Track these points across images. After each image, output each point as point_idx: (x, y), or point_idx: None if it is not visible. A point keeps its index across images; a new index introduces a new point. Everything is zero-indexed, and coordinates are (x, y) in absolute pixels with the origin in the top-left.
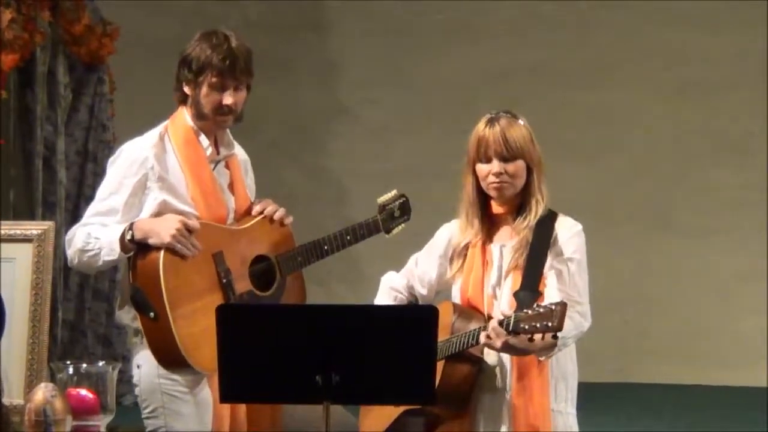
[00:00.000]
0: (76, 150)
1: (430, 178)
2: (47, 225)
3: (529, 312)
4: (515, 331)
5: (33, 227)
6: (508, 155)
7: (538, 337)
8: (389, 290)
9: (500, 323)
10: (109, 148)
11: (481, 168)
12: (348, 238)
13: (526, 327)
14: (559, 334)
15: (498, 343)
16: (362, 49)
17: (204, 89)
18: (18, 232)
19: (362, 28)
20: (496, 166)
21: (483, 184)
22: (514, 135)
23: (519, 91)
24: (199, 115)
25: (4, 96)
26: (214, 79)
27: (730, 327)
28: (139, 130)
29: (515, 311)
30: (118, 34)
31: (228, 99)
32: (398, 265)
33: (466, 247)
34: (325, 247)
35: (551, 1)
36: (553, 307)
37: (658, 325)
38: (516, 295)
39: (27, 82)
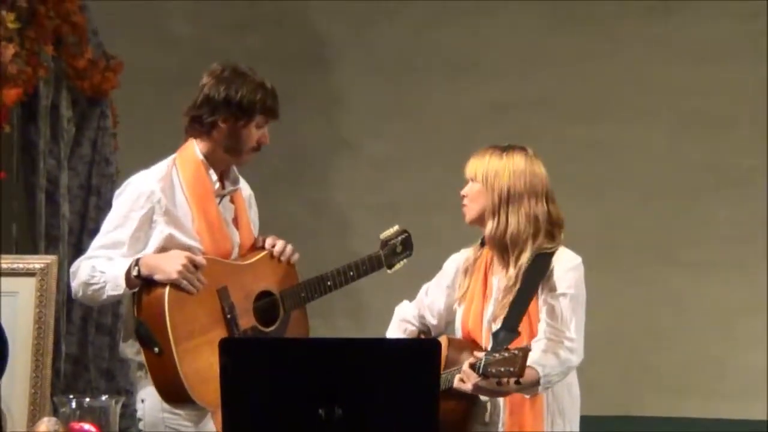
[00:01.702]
0: (79, 184)
1: (432, 211)
2: (50, 259)
3: (497, 356)
4: (484, 375)
5: (36, 261)
6: (470, 177)
7: (505, 380)
8: (400, 322)
9: (471, 366)
10: (113, 182)
11: None
12: (351, 273)
13: (494, 371)
14: (543, 371)
15: (469, 386)
16: (365, 81)
17: (250, 129)
18: (21, 266)
19: (365, 61)
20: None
21: None
22: (480, 160)
23: (522, 125)
24: (228, 150)
25: (7, 130)
26: (261, 119)
27: (734, 360)
28: (142, 164)
29: (486, 353)
30: (122, 68)
31: (266, 139)
32: (399, 298)
33: (472, 267)
34: (329, 283)
35: (554, 36)
36: (516, 352)
37: (662, 358)
38: (495, 335)
39: (30, 116)
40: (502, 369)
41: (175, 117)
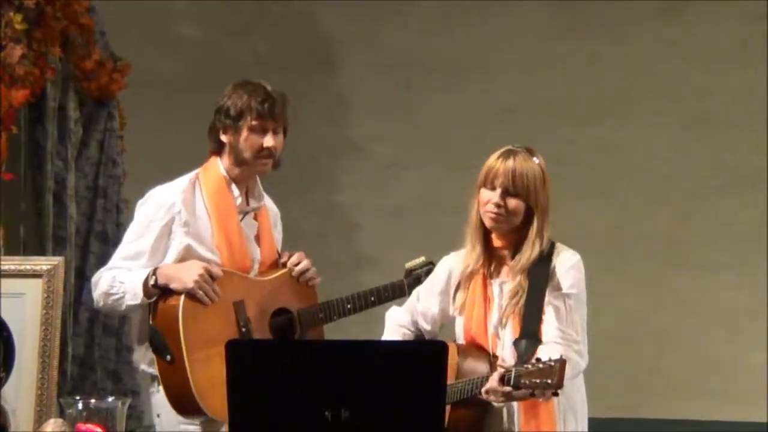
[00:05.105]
0: (86, 185)
1: (438, 213)
2: (57, 260)
3: (529, 367)
4: (516, 386)
5: (43, 263)
6: (512, 190)
7: (539, 391)
8: (397, 327)
9: (501, 379)
10: (119, 183)
11: (484, 193)
12: (372, 299)
13: (527, 382)
14: None
15: (499, 399)
16: (371, 84)
17: (244, 133)
18: (28, 267)
19: (371, 64)
20: (497, 196)
21: (481, 210)
22: (524, 172)
23: (528, 127)
24: (238, 162)
25: (15, 131)
26: (254, 122)
27: (740, 362)
28: (149, 165)
29: (515, 365)
30: (129, 69)
31: (269, 141)
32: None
33: (470, 278)
34: (348, 306)
35: (561, 38)
36: (553, 363)
37: (667, 359)
38: (516, 344)
39: (37, 118)
40: (538, 381)
41: (182, 119)
